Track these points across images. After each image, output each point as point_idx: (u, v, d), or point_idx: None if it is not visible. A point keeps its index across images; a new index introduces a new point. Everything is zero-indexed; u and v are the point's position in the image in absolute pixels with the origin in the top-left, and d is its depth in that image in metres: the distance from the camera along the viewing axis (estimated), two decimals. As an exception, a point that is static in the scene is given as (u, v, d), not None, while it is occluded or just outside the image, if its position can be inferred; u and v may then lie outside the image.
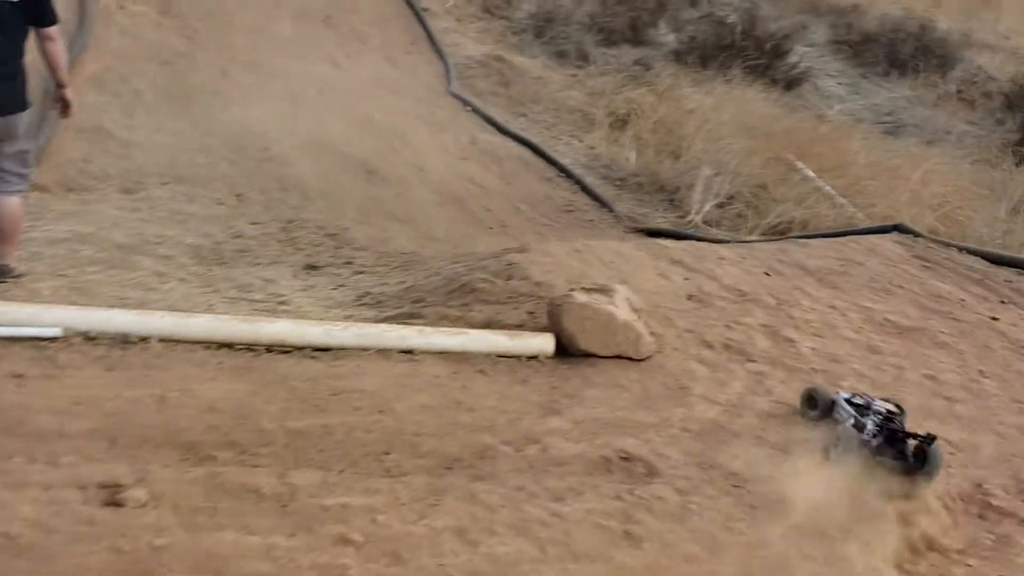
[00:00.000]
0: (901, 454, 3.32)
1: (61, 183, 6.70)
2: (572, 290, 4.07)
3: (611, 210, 9.92)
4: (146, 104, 8.33)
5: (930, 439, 3.26)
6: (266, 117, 8.99)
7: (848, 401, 3.61)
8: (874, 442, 3.35)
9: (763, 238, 8.62)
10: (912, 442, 3.33)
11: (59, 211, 5.97)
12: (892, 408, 3.56)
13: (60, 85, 4.51)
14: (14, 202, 4.44)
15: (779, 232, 9.38)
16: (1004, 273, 6.26)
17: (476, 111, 11.84)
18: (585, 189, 10.38)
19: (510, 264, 4.97)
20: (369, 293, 5.16)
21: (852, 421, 3.46)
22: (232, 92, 9.33)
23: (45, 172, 6.66)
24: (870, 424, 3.41)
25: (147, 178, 7.26)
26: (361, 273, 5.84)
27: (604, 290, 4.09)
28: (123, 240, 5.60)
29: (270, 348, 3.55)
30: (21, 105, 4.34)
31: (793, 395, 3.99)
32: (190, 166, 7.64)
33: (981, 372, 4.54)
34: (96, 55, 8.70)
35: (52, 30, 4.27)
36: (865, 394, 3.70)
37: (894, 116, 14.33)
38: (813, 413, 3.74)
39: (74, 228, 5.57)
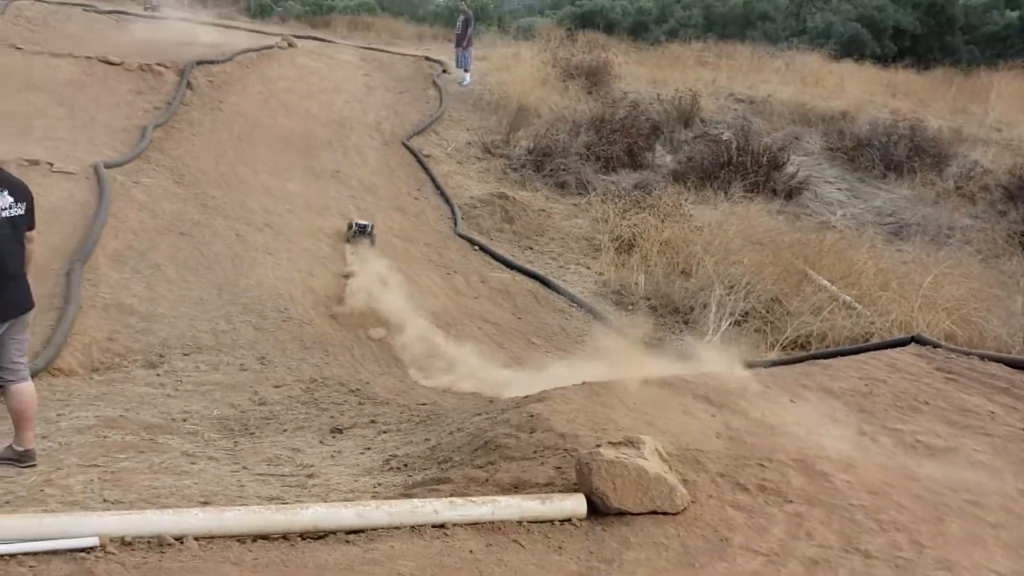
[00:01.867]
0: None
1: (86, 364, 6.82)
2: (599, 446, 4.06)
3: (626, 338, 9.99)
4: (166, 277, 8.53)
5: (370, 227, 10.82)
6: (284, 277, 9.22)
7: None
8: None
9: (783, 356, 8.63)
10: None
11: (85, 395, 6.05)
12: (365, 223, 10.80)
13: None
14: (32, 387, 4.79)
15: (799, 346, 9.41)
16: (1030, 378, 6.21)
17: (484, 249, 12.09)
18: (597, 318, 10.49)
19: (532, 416, 4.97)
20: (395, 456, 5.16)
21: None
22: (249, 255, 9.58)
23: (69, 355, 6.82)
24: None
25: (170, 350, 7.38)
26: (386, 432, 5.84)
27: (632, 442, 4.08)
28: (150, 420, 5.65)
29: (304, 535, 3.54)
30: (33, 302, 4.73)
31: (835, 536, 3.92)
32: (212, 334, 7.77)
33: (1022, 492, 4.46)
34: (115, 232, 8.98)
35: (34, 233, 4.70)
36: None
37: (896, 217, 14.54)
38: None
39: (101, 412, 5.62)
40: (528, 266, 11.77)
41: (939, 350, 6.78)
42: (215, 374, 7.04)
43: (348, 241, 10.65)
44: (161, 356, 7.24)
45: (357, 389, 7.14)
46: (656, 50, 26.80)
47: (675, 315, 10.74)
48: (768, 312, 9.98)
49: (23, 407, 4.57)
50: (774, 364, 7.36)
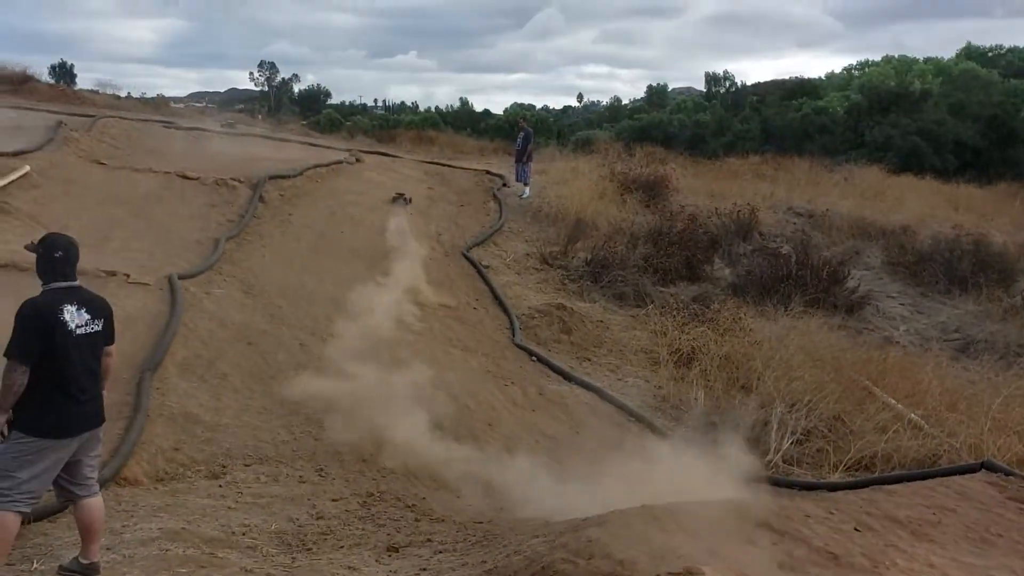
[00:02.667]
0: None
1: (151, 474, 6.96)
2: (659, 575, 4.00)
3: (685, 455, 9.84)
4: (232, 386, 8.73)
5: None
6: (345, 387, 9.34)
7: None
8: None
9: (846, 478, 8.42)
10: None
11: (150, 506, 6.16)
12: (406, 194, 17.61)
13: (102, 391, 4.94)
14: (101, 501, 4.89)
15: (863, 467, 9.16)
16: (1110, 510, 5.96)
17: (541, 360, 12.13)
18: (656, 433, 10.37)
19: (590, 541, 4.91)
20: (452, 580, 5.13)
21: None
22: (312, 364, 9.76)
23: (136, 464, 6.97)
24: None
25: (232, 460, 7.50)
26: (442, 552, 5.82)
27: (691, 573, 4.01)
28: (211, 534, 5.71)
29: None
30: (104, 418, 4.85)
31: None
32: (273, 445, 7.89)
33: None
34: (185, 342, 9.26)
35: (112, 348, 4.87)
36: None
37: (962, 333, 14.25)
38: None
39: (164, 524, 5.71)
40: (586, 378, 11.76)
41: (1011, 478, 6.57)
42: (275, 486, 7.12)
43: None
44: (224, 467, 7.36)
45: (413, 505, 7.14)
46: (714, 163, 27.18)
47: (735, 432, 10.56)
48: (830, 431, 9.77)
49: (91, 521, 4.69)
50: (836, 487, 7.20)
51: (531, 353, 12.32)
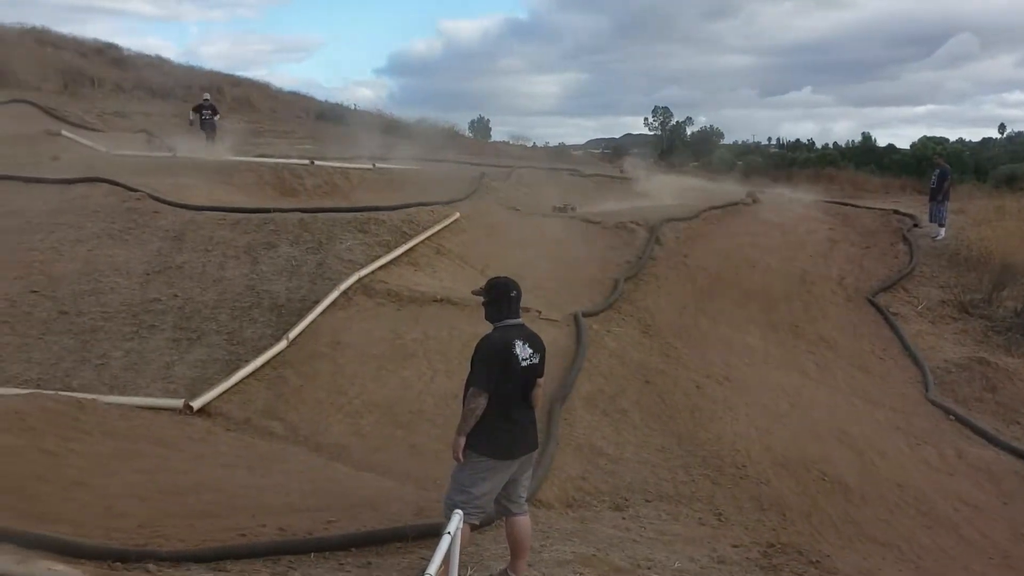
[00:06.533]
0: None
1: (561, 499, 7.42)
2: None
3: None
4: (632, 422, 9.03)
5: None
6: (741, 433, 9.25)
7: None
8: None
9: None
10: None
11: (562, 530, 6.56)
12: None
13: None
14: (529, 520, 5.29)
15: None
16: None
17: (961, 420, 11.01)
18: (1110, 515, 8.88)
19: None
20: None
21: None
22: (708, 407, 9.79)
23: (548, 489, 7.48)
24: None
25: (633, 495, 7.74)
26: (853, 617, 5.48)
27: None
28: (618, 563, 5.93)
29: None
30: (538, 443, 5.28)
31: None
32: (672, 484, 8.02)
33: None
34: (588, 377, 9.77)
35: (542, 379, 5.19)
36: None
37: None
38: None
39: (576, 549, 6.04)
40: (1015, 444, 10.43)
41: None
42: (675, 524, 7.21)
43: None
44: (626, 500, 7.62)
45: (817, 561, 6.81)
46: None
47: None
48: None
49: (521, 537, 5.12)
50: None
51: (948, 411, 11.26)
